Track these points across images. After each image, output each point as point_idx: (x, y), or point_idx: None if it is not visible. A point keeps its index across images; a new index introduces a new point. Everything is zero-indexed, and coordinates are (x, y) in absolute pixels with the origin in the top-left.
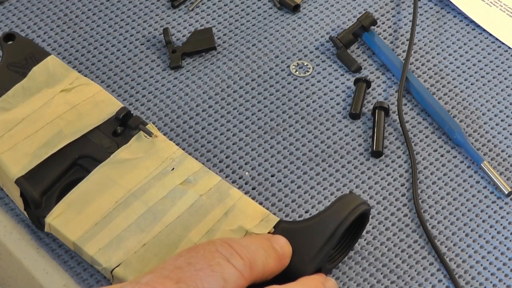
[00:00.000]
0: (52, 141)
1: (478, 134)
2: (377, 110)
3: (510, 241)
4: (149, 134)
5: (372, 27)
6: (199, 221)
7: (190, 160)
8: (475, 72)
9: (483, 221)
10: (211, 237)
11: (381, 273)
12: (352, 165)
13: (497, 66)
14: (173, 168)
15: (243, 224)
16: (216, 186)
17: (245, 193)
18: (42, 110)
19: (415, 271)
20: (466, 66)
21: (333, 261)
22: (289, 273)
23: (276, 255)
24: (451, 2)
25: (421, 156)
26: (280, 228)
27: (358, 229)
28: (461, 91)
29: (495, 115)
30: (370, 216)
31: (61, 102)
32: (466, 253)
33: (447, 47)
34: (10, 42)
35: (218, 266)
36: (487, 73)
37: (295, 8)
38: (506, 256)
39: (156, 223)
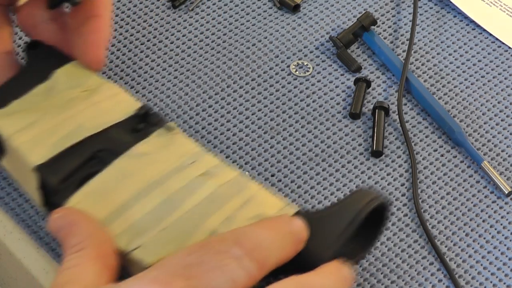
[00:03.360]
0: (72, 133)
1: (478, 134)
2: (377, 110)
3: (510, 240)
4: (170, 130)
5: (372, 27)
6: (217, 208)
7: (210, 156)
8: (475, 72)
9: (483, 221)
10: (229, 225)
11: (381, 273)
12: (352, 165)
13: (497, 66)
14: (192, 162)
15: (262, 213)
16: (236, 178)
17: None
18: (63, 107)
19: (415, 270)
20: (466, 66)
21: (352, 256)
22: (307, 261)
23: (292, 240)
24: (451, 2)
25: (421, 156)
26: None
27: (378, 224)
28: (461, 91)
29: (495, 115)
30: None
31: (83, 100)
32: (466, 252)
33: (447, 47)
34: (34, 50)
35: (228, 267)
36: (487, 73)
37: (295, 8)
38: (506, 256)
39: (174, 211)
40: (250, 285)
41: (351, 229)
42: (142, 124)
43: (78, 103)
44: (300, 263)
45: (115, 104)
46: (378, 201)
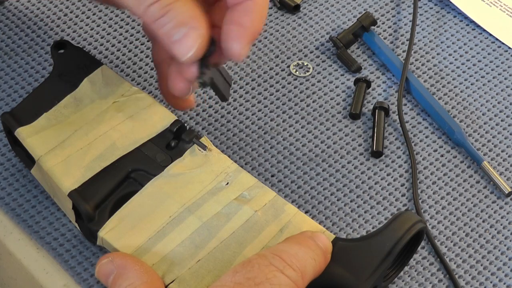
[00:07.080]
0: (105, 153)
1: (478, 134)
2: (377, 110)
3: (510, 240)
4: (203, 148)
5: (372, 27)
6: (254, 237)
7: (245, 174)
8: (475, 72)
9: (483, 221)
10: None
11: None
12: (352, 165)
13: (497, 66)
14: (227, 183)
15: None
16: (271, 201)
17: None
18: (95, 121)
19: (415, 271)
20: (466, 66)
21: (387, 278)
22: None
23: (322, 252)
24: (451, 2)
25: (421, 156)
26: (336, 246)
27: (413, 245)
28: (461, 91)
29: (495, 115)
30: (371, 216)
31: (114, 113)
32: (466, 253)
33: (447, 47)
34: (61, 51)
35: (275, 279)
36: (487, 73)
37: (295, 8)
38: (506, 256)
39: (211, 239)
40: None
41: (389, 260)
42: (175, 140)
43: (110, 117)
44: None
45: (148, 118)
46: (416, 229)
